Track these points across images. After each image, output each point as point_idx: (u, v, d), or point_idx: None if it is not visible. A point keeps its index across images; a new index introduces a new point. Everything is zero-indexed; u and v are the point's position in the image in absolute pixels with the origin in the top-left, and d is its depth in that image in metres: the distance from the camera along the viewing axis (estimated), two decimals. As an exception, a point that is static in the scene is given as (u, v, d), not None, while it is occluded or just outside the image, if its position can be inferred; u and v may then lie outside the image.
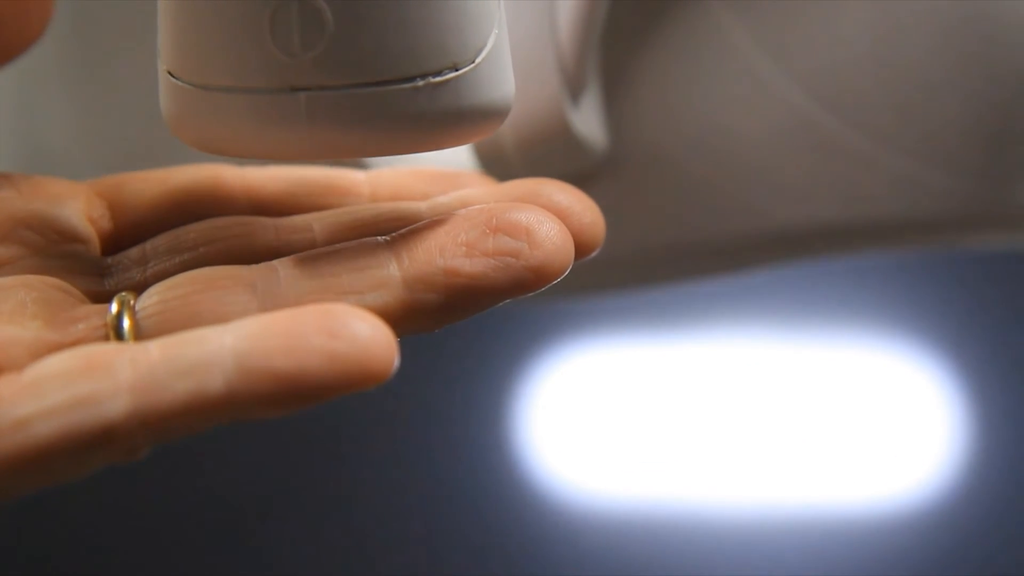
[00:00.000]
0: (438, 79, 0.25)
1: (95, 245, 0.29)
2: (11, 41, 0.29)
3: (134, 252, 0.28)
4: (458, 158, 0.37)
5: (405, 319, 0.25)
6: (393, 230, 0.27)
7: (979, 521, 0.80)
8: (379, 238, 0.26)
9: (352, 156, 0.26)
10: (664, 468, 0.83)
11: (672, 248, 0.39)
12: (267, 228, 0.28)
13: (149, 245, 0.28)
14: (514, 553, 0.81)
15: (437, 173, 0.31)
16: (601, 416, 0.85)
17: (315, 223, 0.28)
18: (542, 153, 0.35)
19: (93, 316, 0.26)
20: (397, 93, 0.25)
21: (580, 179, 0.36)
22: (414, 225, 0.26)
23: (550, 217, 0.26)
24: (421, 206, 0.28)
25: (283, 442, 0.84)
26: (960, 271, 0.84)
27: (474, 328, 0.86)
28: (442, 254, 0.25)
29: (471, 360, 0.85)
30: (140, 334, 0.25)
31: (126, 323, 0.25)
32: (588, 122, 0.36)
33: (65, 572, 0.81)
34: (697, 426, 0.84)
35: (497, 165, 0.36)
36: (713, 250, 0.39)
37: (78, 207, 0.29)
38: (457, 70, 0.26)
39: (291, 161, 0.27)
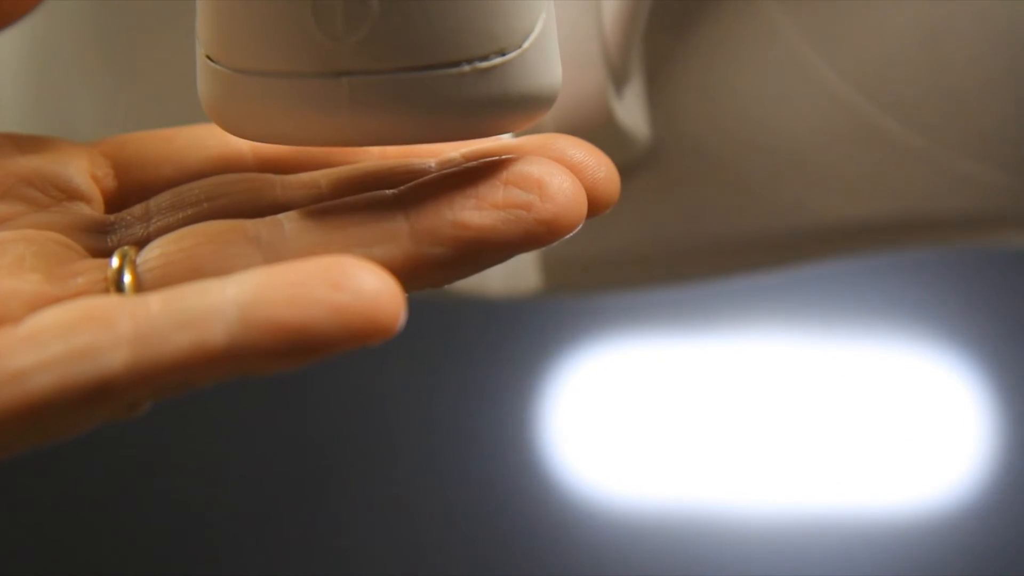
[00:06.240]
0: (484, 64, 0.25)
1: (98, 203, 0.28)
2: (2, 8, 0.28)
3: (137, 209, 0.28)
4: None
5: (413, 273, 0.25)
6: (401, 184, 0.26)
7: (1010, 525, 0.79)
8: (387, 192, 0.26)
9: (394, 143, 0.26)
10: (689, 468, 0.83)
11: (715, 242, 0.38)
12: (273, 184, 0.28)
13: (152, 202, 0.28)
14: (537, 551, 0.81)
15: None
16: (626, 415, 0.85)
17: (322, 179, 0.28)
18: None
19: (93, 270, 0.25)
20: (442, 78, 0.24)
21: (622, 171, 0.35)
22: (423, 178, 0.26)
23: (562, 170, 0.25)
24: (430, 161, 0.28)
25: (305, 438, 0.84)
26: (995, 270, 0.83)
27: (501, 324, 0.86)
28: (450, 206, 0.25)
29: (497, 357, 0.85)
30: (141, 288, 0.25)
31: (127, 277, 0.25)
32: (631, 113, 0.36)
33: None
34: (724, 426, 0.83)
35: None
36: (755, 245, 0.38)
37: (81, 165, 0.28)
38: (504, 55, 0.25)
39: (333, 146, 0.26)
